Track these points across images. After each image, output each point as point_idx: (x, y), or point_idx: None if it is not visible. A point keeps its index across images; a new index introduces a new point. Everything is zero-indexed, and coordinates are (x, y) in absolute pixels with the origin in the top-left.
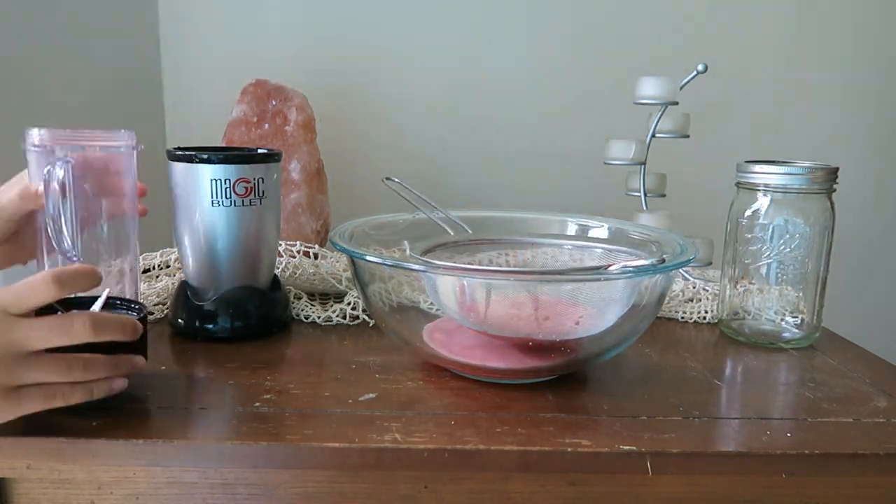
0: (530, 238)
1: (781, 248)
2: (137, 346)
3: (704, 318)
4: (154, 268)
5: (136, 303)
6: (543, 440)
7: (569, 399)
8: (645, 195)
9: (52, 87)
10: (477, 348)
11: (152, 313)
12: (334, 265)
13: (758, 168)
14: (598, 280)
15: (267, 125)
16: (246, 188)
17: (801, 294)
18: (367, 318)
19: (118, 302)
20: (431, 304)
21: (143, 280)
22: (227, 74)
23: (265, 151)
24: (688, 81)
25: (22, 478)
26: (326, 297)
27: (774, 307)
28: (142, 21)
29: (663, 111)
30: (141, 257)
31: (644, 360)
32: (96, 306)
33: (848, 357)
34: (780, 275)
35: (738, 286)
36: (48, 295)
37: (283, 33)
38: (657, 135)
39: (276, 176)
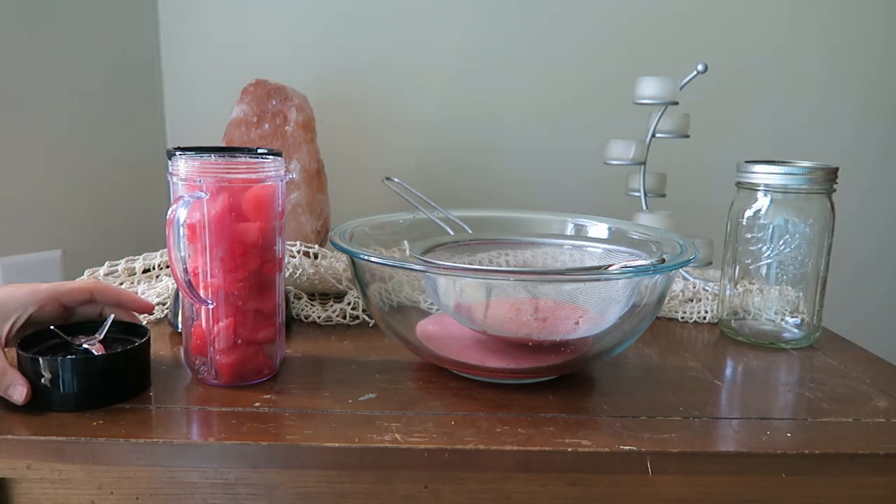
0: (530, 238)
1: (781, 248)
2: (140, 369)
3: (704, 318)
4: (154, 268)
5: (140, 327)
6: (543, 440)
7: (569, 399)
8: (645, 195)
9: (51, 87)
10: (476, 348)
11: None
12: (334, 265)
13: (758, 168)
14: (598, 280)
15: (267, 125)
16: None
17: (801, 294)
18: (367, 318)
19: (122, 326)
20: (431, 304)
21: (143, 280)
22: (227, 74)
23: (265, 151)
24: (688, 81)
25: (22, 478)
26: (326, 297)
27: (774, 307)
28: (142, 21)
29: (663, 111)
30: (141, 257)
31: (644, 360)
32: (101, 332)
33: (848, 357)
34: (780, 275)
35: (738, 286)
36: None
37: (283, 33)
38: (657, 135)
39: None
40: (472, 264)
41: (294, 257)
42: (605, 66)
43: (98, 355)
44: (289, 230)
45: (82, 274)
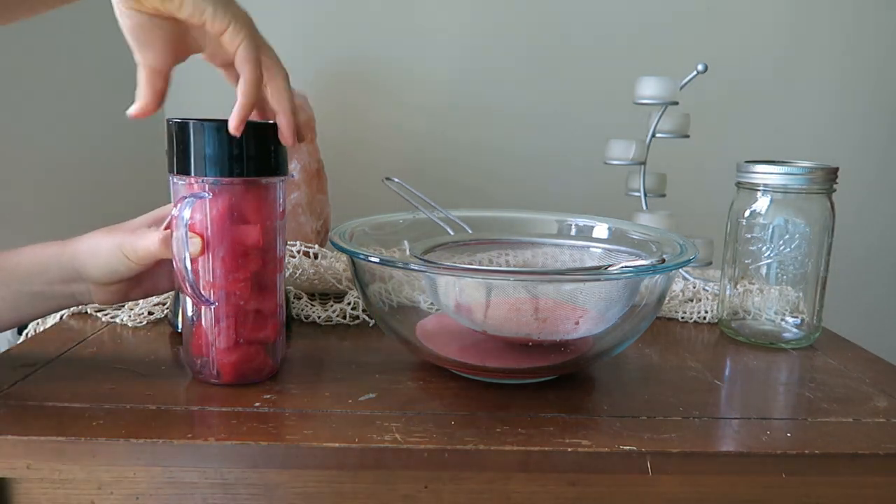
0: (530, 238)
1: (781, 248)
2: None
3: (704, 318)
4: None
5: None
6: (543, 440)
7: (569, 399)
8: (645, 195)
9: (51, 87)
10: (476, 348)
11: None
12: (334, 265)
13: (758, 168)
14: (598, 280)
15: None
16: None
17: (801, 294)
18: (367, 318)
19: None
20: (431, 304)
21: None
22: None
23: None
24: (688, 81)
25: (22, 478)
26: (326, 297)
27: (774, 307)
28: None
29: (663, 111)
30: None
31: (644, 360)
32: None
33: (848, 357)
34: (780, 275)
35: (738, 286)
36: (157, 256)
37: (283, 33)
38: (657, 135)
39: None
40: (472, 264)
41: (294, 257)
42: (605, 66)
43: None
44: (289, 230)
45: None
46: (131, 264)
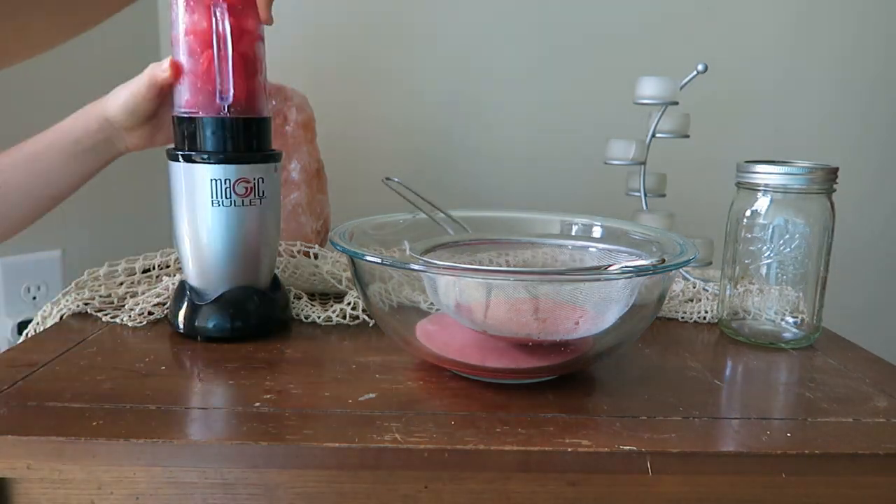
0: (530, 238)
1: (781, 248)
2: None
3: (704, 318)
4: (154, 268)
5: None
6: (543, 440)
7: (569, 399)
8: (645, 195)
9: (51, 85)
10: (476, 348)
11: None
12: (334, 265)
13: (758, 168)
14: (598, 280)
15: None
16: (246, 188)
17: (801, 294)
18: (367, 318)
19: None
20: (431, 304)
21: (143, 280)
22: None
23: (265, 151)
24: (688, 81)
25: (22, 478)
26: (326, 297)
27: (774, 307)
28: (142, 21)
29: (663, 111)
30: (141, 257)
31: (644, 360)
32: None
33: (848, 357)
34: (779, 275)
35: (738, 286)
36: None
37: (283, 33)
38: (657, 135)
39: (276, 176)
40: (472, 264)
41: (294, 257)
42: (605, 66)
43: None
44: (289, 230)
45: (82, 274)
46: (147, 95)
